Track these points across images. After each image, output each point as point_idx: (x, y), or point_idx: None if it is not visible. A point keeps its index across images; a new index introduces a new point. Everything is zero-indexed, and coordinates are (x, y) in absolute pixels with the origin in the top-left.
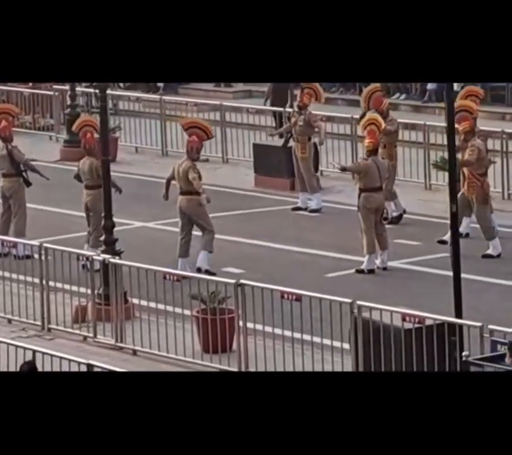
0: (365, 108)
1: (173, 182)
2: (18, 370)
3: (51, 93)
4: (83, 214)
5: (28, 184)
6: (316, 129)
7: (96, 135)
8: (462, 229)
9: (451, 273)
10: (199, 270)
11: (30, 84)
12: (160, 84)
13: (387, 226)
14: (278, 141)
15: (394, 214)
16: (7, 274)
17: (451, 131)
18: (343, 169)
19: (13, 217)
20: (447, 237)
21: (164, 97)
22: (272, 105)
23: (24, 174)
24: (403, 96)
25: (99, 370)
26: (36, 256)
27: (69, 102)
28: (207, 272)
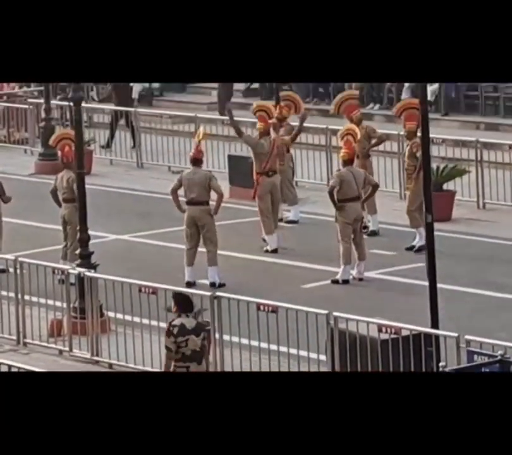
0: (335, 112)
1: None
2: None
3: (26, 106)
4: (59, 227)
5: (5, 199)
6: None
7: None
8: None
9: (426, 283)
10: (213, 285)
11: (5, 97)
12: (135, 96)
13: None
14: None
15: (372, 228)
16: None
17: (425, 141)
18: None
19: None
20: (416, 242)
21: (138, 109)
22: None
23: None
24: (377, 106)
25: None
26: (11, 270)
27: (43, 115)
28: (220, 286)
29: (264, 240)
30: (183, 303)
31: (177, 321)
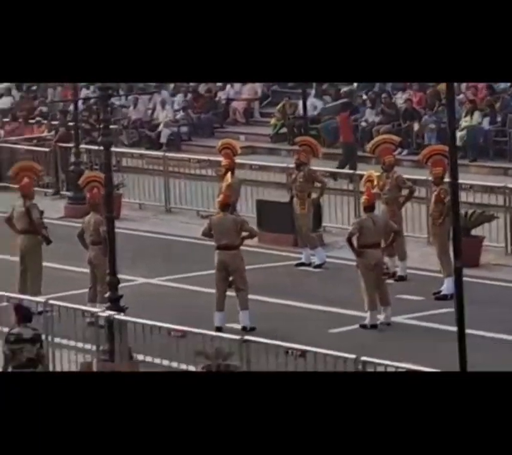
0: (370, 152)
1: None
2: None
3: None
4: (87, 270)
5: (48, 241)
6: (317, 184)
7: (102, 191)
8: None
9: (454, 328)
10: (244, 329)
11: (34, 141)
12: (163, 141)
13: (389, 282)
14: (281, 197)
15: (400, 273)
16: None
17: (454, 186)
18: (349, 242)
19: (29, 274)
20: (443, 287)
21: (166, 154)
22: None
23: (44, 231)
24: (405, 151)
25: None
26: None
27: (73, 159)
28: (251, 329)
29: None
30: (22, 314)
31: (15, 330)
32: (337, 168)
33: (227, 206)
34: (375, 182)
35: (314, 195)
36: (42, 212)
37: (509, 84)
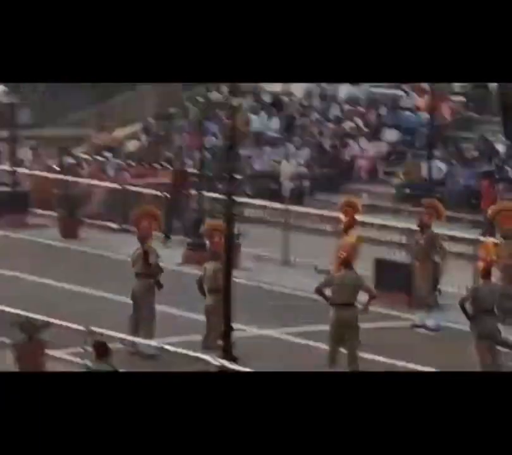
0: (490, 218)
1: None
2: None
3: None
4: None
5: (160, 286)
6: (438, 249)
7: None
8: None
9: None
10: None
11: (158, 186)
12: (286, 194)
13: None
14: (400, 257)
15: None
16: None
17: None
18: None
19: (141, 318)
20: None
21: (288, 207)
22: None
23: (158, 275)
24: None
25: None
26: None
27: (196, 206)
28: None
29: None
30: (101, 350)
31: (93, 366)
32: (481, 234)
33: (350, 263)
34: (492, 250)
35: (435, 258)
36: (158, 256)
37: None
